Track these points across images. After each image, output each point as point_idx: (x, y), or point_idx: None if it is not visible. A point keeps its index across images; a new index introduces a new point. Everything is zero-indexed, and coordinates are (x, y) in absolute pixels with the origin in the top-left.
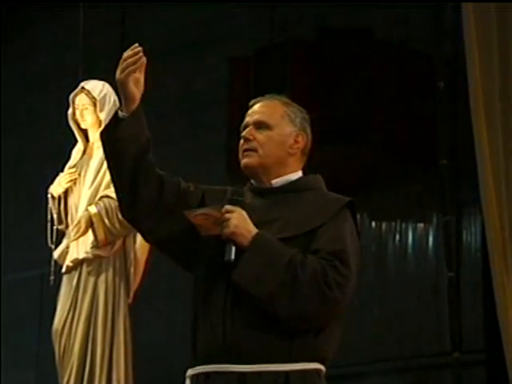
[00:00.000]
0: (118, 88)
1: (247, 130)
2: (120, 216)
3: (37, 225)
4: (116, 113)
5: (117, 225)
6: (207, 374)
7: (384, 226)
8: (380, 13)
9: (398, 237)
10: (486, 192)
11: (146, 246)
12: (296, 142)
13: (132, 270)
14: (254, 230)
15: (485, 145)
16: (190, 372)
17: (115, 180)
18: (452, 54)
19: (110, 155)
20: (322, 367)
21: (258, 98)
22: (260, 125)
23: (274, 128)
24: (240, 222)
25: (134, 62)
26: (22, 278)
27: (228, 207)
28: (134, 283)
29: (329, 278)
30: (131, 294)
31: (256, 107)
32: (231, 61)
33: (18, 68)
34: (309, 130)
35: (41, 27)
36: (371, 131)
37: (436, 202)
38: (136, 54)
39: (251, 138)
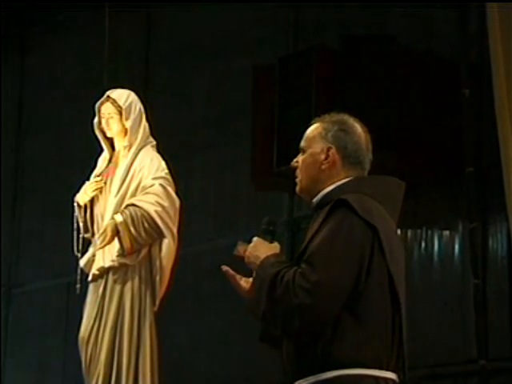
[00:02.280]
0: None
1: (296, 157)
2: (146, 224)
3: (63, 233)
4: None
5: (142, 233)
6: None
7: (410, 233)
8: (404, 19)
9: (423, 244)
10: None
11: (172, 254)
12: (327, 156)
13: (158, 278)
14: (263, 257)
15: (510, 152)
16: None
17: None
18: (477, 60)
19: None
20: (348, 372)
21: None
22: (300, 150)
23: (307, 150)
24: (251, 251)
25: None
26: (48, 287)
27: (253, 239)
28: (160, 291)
29: (295, 285)
30: (157, 302)
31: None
32: (255, 69)
33: (43, 76)
34: (347, 140)
35: (65, 35)
36: (396, 139)
37: (462, 209)
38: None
39: (296, 164)
